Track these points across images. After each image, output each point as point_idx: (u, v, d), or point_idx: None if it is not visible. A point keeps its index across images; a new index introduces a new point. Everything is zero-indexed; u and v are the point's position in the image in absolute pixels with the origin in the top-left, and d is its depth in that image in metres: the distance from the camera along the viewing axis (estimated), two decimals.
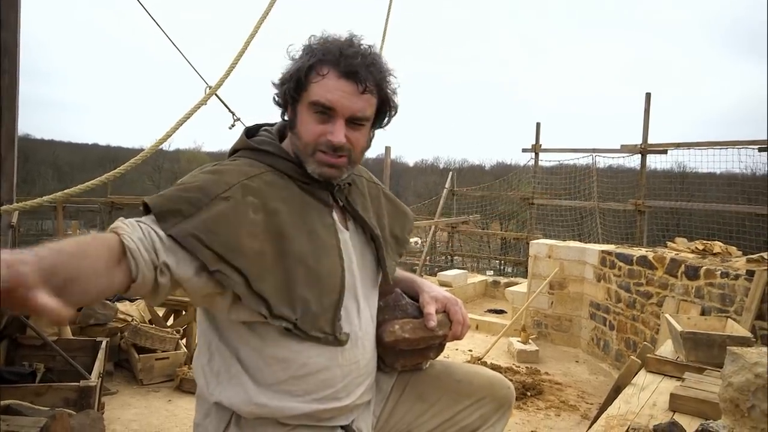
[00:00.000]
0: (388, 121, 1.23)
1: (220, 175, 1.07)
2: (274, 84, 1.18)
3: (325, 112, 1.10)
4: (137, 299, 5.30)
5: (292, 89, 1.12)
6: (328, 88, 1.09)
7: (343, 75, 1.09)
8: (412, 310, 1.26)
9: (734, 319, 3.01)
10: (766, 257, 3.81)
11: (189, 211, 0.99)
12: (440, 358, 1.42)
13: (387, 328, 1.23)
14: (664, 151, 8.70)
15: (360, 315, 1.18)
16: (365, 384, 1.21)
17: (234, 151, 1.21)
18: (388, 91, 1.17)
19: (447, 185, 11.32)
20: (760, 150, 7.66)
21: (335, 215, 1.19)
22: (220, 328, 1.14)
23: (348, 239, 1.19)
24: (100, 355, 3.13)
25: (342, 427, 1.20)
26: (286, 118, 1.21)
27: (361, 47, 1.13)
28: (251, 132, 1.24)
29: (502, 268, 12.81)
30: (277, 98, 1.19)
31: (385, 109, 1.19)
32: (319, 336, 1.08)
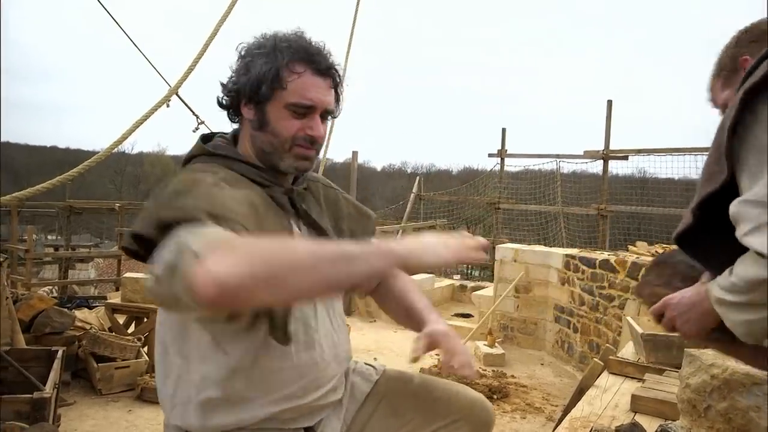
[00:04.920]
0: (338, 114, 1.26)
1: (191, 174, 1.05)
2: (224, 84, 1.18)
3: (305, 110, 1.13)
4: (96, 306, 5.14)
5: (268, 89, 1.12)
6: (306, 86, 1.13)
7: (318, 72, 1.14)
8: (683, 268, 1.13)
9: None
10: None
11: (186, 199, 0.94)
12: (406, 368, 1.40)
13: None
14: (625, 157, 8.94)
15: (317, 318, 1.17)
16: (327, 386, 1.19)
17: (190, 157, 1.19)
18: (340, 84, 1.23)
19: (414, 190, 11.38)
20: None
21: (291, 221, 1.18)
22: (183, 353, 1.11)
23: None
24: (56, 365, 3.03)
25: (305, 429, 1.17)
26: (234, 118, 1.21)
27: (320, 43, 1.18)
28: (207, 139, 1.22)
29: (469, 272, 12.93)
30: (226, 100, 1.18)
31: (335, 100, 1.24)
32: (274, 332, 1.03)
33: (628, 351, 2.72)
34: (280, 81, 1.11)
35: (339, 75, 1.19)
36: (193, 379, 1.10)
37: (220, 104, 1.20)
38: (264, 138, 1.15)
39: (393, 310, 1.35)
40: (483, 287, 7.50)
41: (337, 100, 1.23)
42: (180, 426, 1.13)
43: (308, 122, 1.14)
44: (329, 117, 1.20)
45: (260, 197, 1.11)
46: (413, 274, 0.89)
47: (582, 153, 9.39)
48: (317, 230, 1.22)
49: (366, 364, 1.43)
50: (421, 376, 1.41)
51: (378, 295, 1.36)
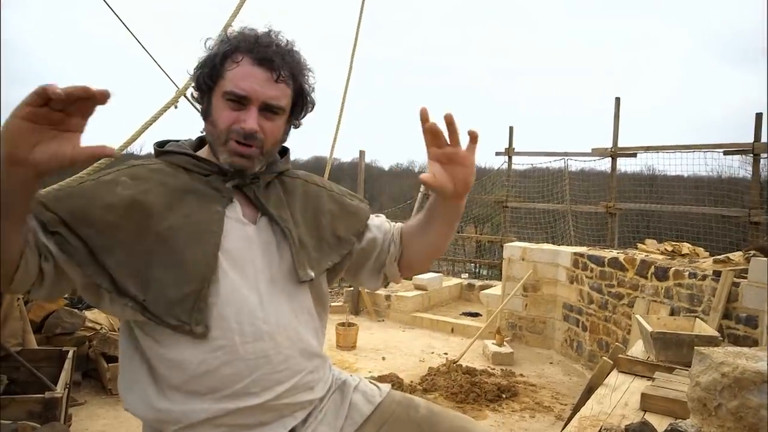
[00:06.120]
0: (304, 116, 1.21)
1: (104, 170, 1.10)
2: (189, 74, 1.17)
3: (239, 100, 1.09)
4: None
5: (207, 77, 1.11)
6: (242, 75, 1.08)
7: (257, 62, 1.08)
8: None
9: (702, 319, 3.07)
10: (731, 258, 3.91)
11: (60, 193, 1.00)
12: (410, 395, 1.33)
13: None
14: (634, 155, 8.87)
15: (264, 308, 1.10)
16: (288, 382, 1.12)
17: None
18: (305, 84, 1.16)
19: (422, 189, 11.34)
20: (725, 153, 7.88)
21: (239, 208, 1.14)
22: (132, 338, 1.11)
23: (253, 233, 1.13)
24: (67, 365, 3.05)
25: None
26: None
27: (279, 38, 1.13)
28: (163, 144, 1.22)
29: (477, 271, 12.90)
30: (194, 96, 1.18)
31: (300, 102, 1.18)
32: (174, 323, 1.01)
33: (637, 349, 2.71)
34: (219, 69, 1.09)
35: (290, 71, 1.11)
36: (136, 368, 1.09)
37: (196, 99, 1.19)
38: (207, 128, 1.14)
39: (421, 236, 1.29)
40: (491, 286, 7.48)
41: (301, 100, 1.17)
42: (130, 411, 1.11)
43: (242, 114, 1.08)
44: (274, 112, 1.11)
45: (186, 185, 1.10)
46: None
47: (590, 151, 9.33)
48: (273, 220, 1.16)
49: (371, 382, 1.34)
50: (428, 405, 1.32)
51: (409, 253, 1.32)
